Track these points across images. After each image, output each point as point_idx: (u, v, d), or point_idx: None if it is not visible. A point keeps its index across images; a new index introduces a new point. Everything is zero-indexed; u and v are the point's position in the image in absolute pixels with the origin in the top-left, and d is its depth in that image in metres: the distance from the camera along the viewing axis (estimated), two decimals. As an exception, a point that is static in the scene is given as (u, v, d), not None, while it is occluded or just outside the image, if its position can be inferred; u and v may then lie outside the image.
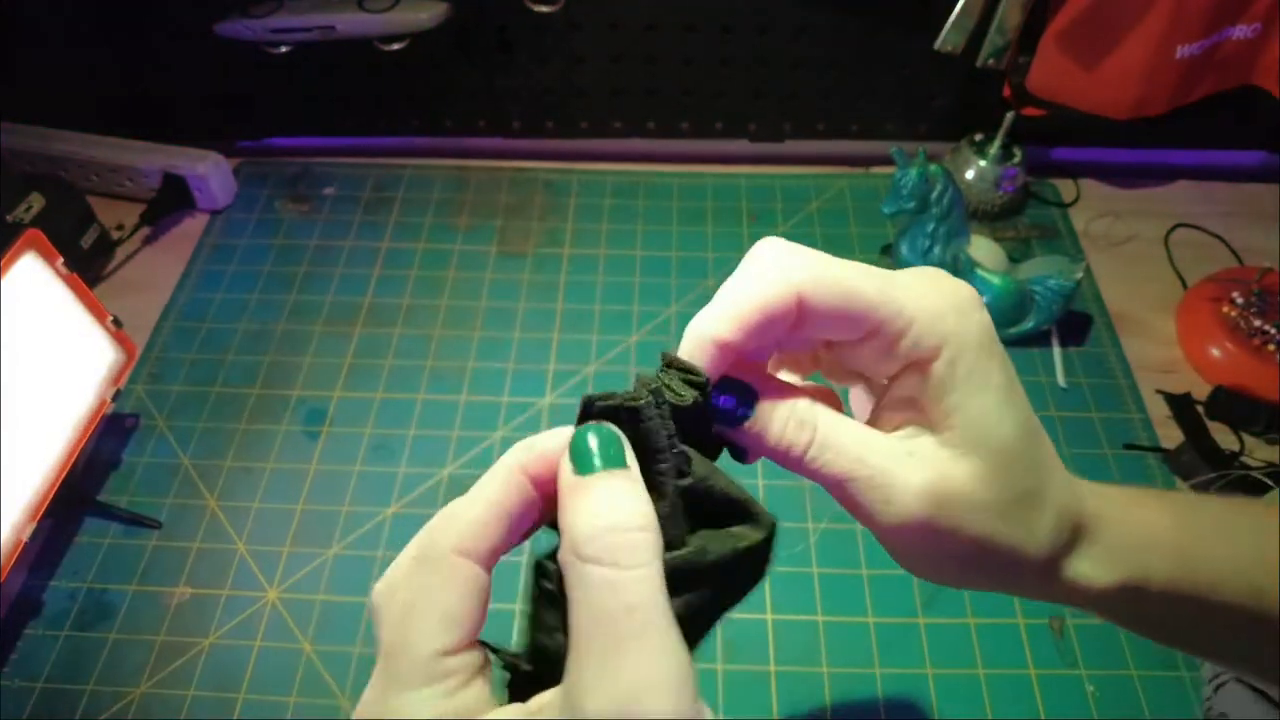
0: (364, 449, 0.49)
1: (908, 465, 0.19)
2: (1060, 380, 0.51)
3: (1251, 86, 0.56)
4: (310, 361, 0.53)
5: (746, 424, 0.19)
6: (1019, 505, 0.19)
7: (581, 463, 0.16)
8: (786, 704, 0.39)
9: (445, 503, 0.18)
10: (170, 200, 0.61)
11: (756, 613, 0.42)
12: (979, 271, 0.52)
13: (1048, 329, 0.53)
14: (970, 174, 0.60)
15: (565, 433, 0.17)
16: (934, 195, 0.51)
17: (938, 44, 0.53)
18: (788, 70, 0.61)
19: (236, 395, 0.51)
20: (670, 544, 0.16)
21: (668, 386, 0.18)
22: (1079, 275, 0.50)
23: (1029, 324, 0.52)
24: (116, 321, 0.47)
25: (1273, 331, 0.50)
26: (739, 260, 0.19)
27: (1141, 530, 0.21)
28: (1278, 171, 0.64)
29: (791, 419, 0.19)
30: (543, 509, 0.18)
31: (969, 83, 0.60)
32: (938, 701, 0.39)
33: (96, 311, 0.45)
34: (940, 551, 0.19)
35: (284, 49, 0.58)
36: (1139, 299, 0.56)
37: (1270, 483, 0.44)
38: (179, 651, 0.41)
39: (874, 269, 0.19)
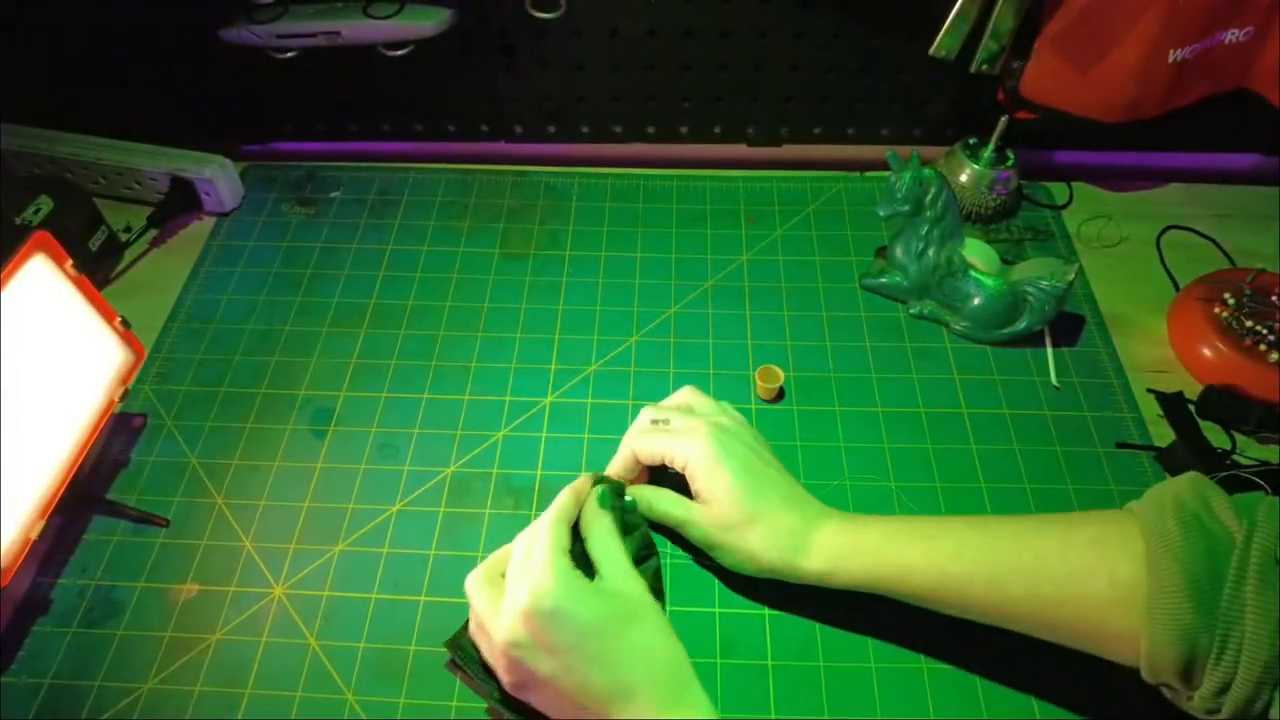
0: (369, 447, 0.49)
1: (694, 511, 0.41)
2: (1053, 380, 0.52)
3: (1244, 90, 0.57)
4: (316, 362, 0.54)
5: (639, 507, 0.42)
6: (739, 528, 0.39)
7: (600, 503, 0.39)
8: (784, 699, 0.40)
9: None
10: (177, 203, 0.62)
11: (754, 608, 0.42)
12: (972, 273, 0.53)
13: (1041, 330, 0.53)
14: (964, 177, 0.61)
15: (591, 488, 0.40)
16: (928, 198, 0.52)
17: (932, 49, 0.54)
18: (785, 75, 0.62)
19: (243, 395, 0.52)
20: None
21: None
22: (1072, 277, 0.51)
23: (1022, 325, 0.53)
24: (125, 322, 0.47)
25: (1264, 332, 0.51)
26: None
27: (844, 543, 0.38)
28: (1269, 174, 0.65)
29: (651, 503, 0.42)
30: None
31: (963, 87, 0.61)
32: (933, 698, 0.40)
33: (105, 312, 0.46)
34: (726, 551, 0.40)
35: (290, 54, 0.59)
36: (1131, 300, 0.56)
37: (1260, 481, 0.44)
38: (186, 647, 0.42)
39: (663, 438, 0.42)
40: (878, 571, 0.37)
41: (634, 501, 0.41)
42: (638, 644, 0.33)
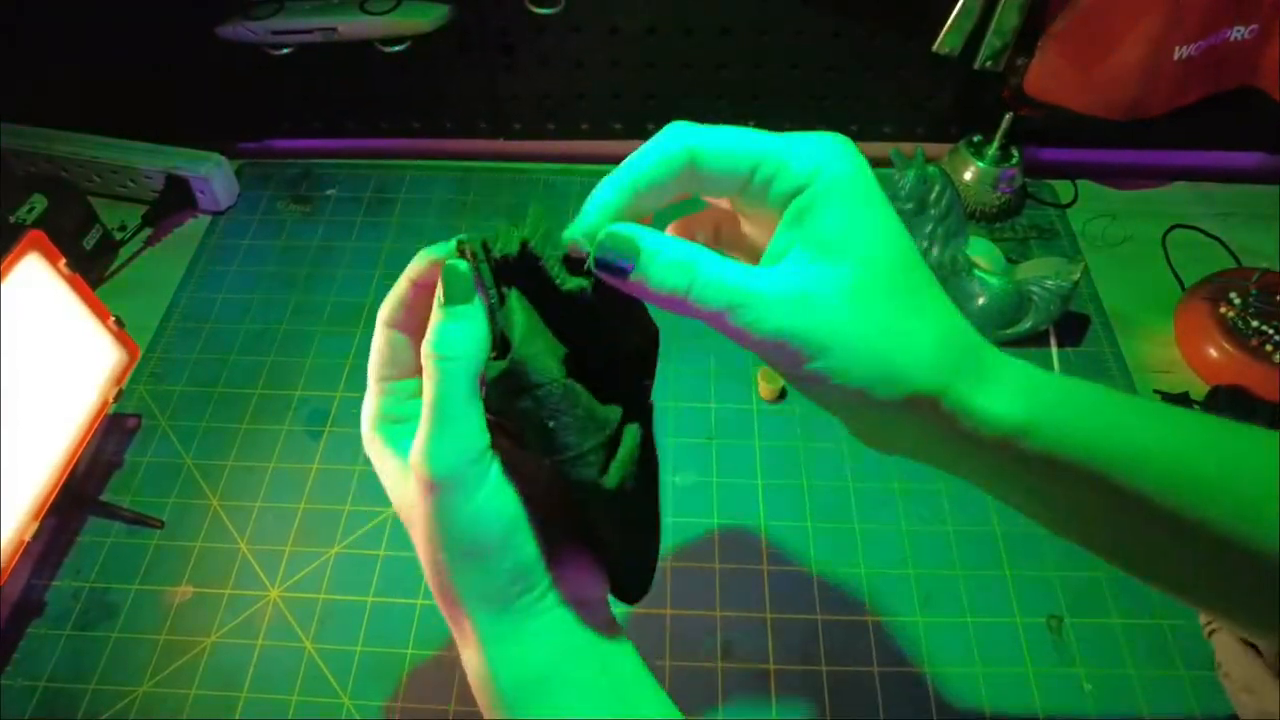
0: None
1: (779, 283, 0.20)
2: (1058, 380, 0.52)
3: (1249, 88, 0.56)
4: (312, 362, 0.53)
5: (631, 277, 0.21)
6: (892, 317, 0.20)
7: (448, 292, 0.22)
8: (785, 703, 0.39)
9: None
10: (172, 201, 0.61)
11: (756, 611, 0.42)
12: (977, 272, 0.52)
13: (1046, 330, 0.53)
14: (968, 175, 0.60)
15: (444, 255, 0.23)
16: (932, 196, 0.52)
17: (936, 46, 0.54)
18: (786, 72, 0.62)
19: (239, 395, 0.52)
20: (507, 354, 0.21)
21: (551, 264, 0.22)
22: (1077, 276, 0.50)
23: (1027, 325, 0.52)
24: (119, 322, 0.47)
25: (1270, 332, 0.50)
26: None
27: (1050, 381, 0.22)
28: (1275, 172, 0.64)
29: (670, 265, 0.21)
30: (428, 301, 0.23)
31: (967, 84, 0.60)
32: (936, 699, 0.39)
33: (99, 312, 0.46)
34: (803, 363, 0.20)
35: (285, 51, 0.59)
36: (1137, 299, 0.56)
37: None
38: (181, 650, 0.41)
39: (751, 130, 0.22)
40: (1102, 441, 0.21)
41: (622, 243, 0.21)
42: (421, 554, 0.23)
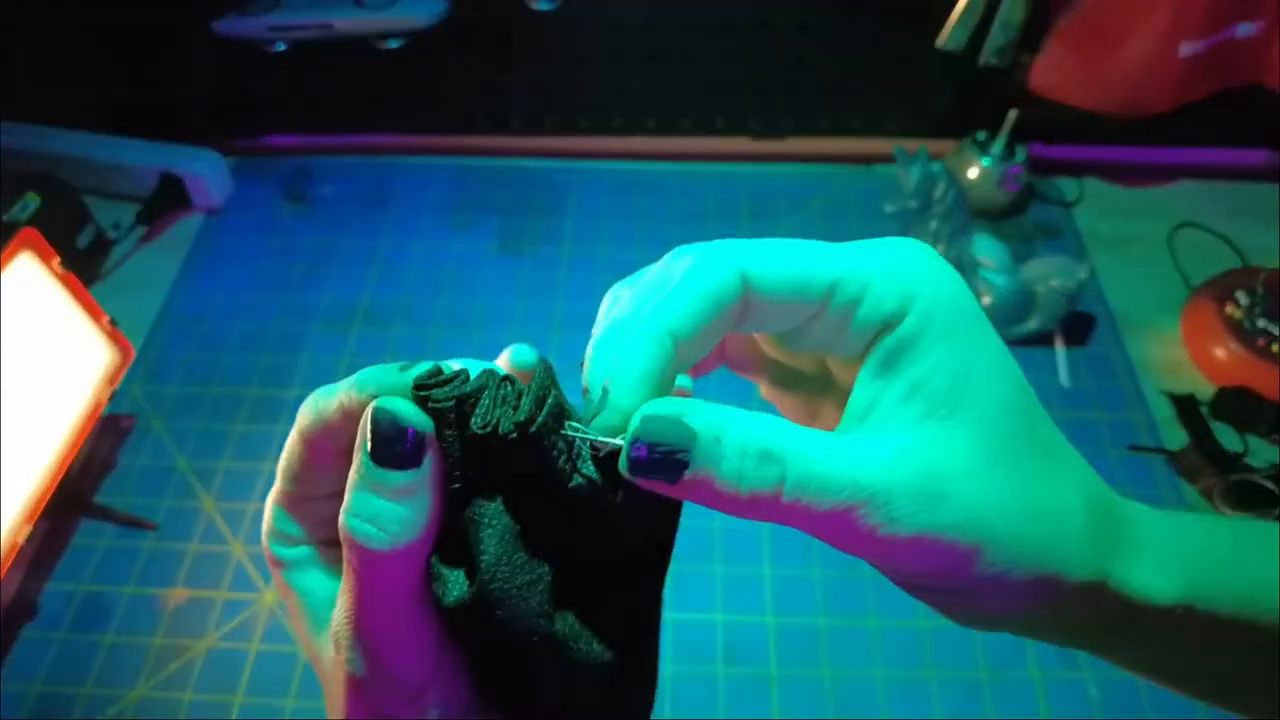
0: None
1: (905, 462, 0.14)
2: (1064, 381, 0.51)
3: (1255, 85, 0.56)
4: (308, 361, 0.53)
5: (687, 476, 0.14)
6: (1034, 488, 0.15)
7: (380, 452, 0.15)
8: (788, 707, 0.39)
9: None
10: (167, 199, 0.61)
11: (757, 616, 0.42)
12: (982, 271, 0.52)
13: (1051, 329, 0.52)
14: (973, 173, 0.59)
15: (390, 390, 0.15)
16: (937, 194, 0.51)
17: (940, 42, 0.53)
18: (789, 67, 0.61)
19: (233, 395, 0.51)
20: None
21: (559, 457, 0.15)
22: (1083, 275, 0.50)
23: (1032, 324, 0.52)
24: (113, 321, 0.46)
25: (1277, 332, 0.50)
26: None
27: (1198, 538, 0.17)
28: (1282, 170, 0.64)
29: (748, 455, 0.14)
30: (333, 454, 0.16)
31: (972, 81, 0.59)
32: (939, 705, 0.39)
33: (93, 311, 0.45)
34: (959, 567, 0.15)
35: (282, 47, 0.58)
36: (1143, 299, 0.55)
37: (1272, 486, 0.44)
38: (176, 654, 0.41)
39: (815, 243, 0.16)
40: (1260, 603, 0.17)
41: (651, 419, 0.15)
42: None
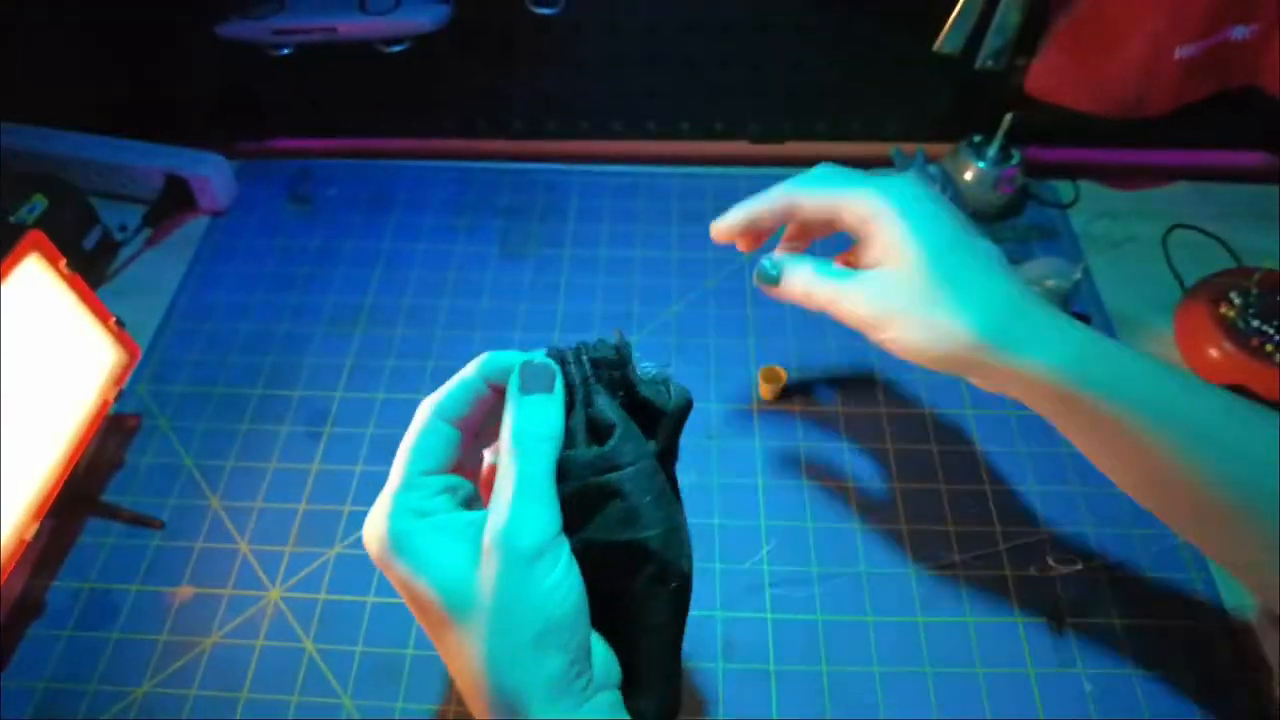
0: (366, 449, 0.49)
1: (860, 282, 0.31)
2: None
3: (1251, 87, 0.56)
4: (312, 362, 0.53)
5: (781, 284, 0.33)
6: (937, 296, 0.29)
7: (527, 384, 0.24)
8: (786, 703, 0.39)
9: None
10: (172, 201, 0.61)
11: (756, 613, 0.42)
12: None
13: (1047, 329, 0.53)
14: (969, 175, 0.60)
15: (517, 357, 0.25)
16: (933, 196, 0.52)
17: (937, 45, 0.53)
18: (788, 71, 0.62)
19: (239, 395, 0.52)
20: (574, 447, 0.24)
21: (634, 367, 0.25)
22: (1078, 276, 0.50)
23: (1028, 324, 0.52)
24: (119, 322, 0.47)
25: (1271, 332, 0.50)
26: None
27: (1093, 337, 0.29)
28: (1276, 172, 0.64)
29: (797, 277, 0.33)
30: (495, 402, 0.26)
31: (968, 84, 0.60)
32: (936, 701, 0.39)
33: (99, 312, 0.46)
34: (888, 341, 0.31)
35: (286, 50, 0.59)
36: (1137, 300, 0.56)
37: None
38: (181, 651, 0.41)
39: (849, 175, 0.33)
40: (1136, 378, 0.27)
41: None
42: (455, 654, 0.23)
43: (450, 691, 0.40)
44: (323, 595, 0.43)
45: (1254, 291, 0.52)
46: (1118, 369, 0.27)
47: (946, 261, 0.30)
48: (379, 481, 0.50)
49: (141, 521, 0.46)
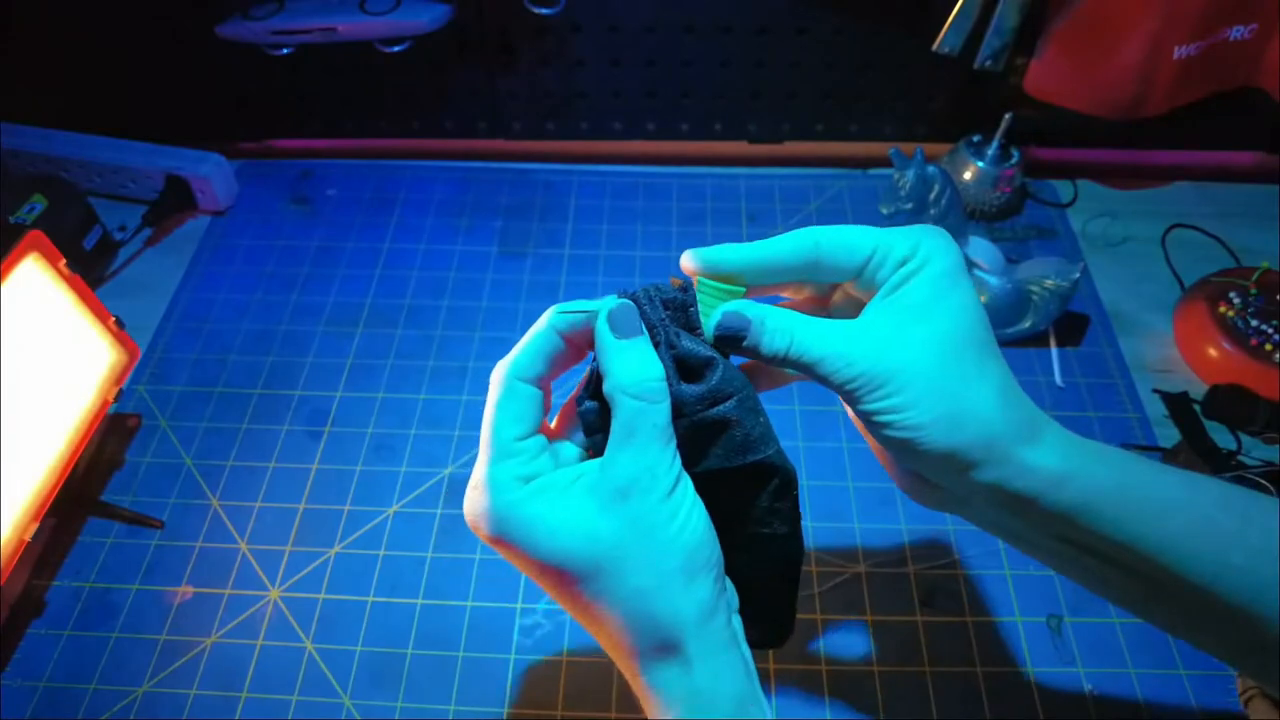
0: (365, 448, 0.49)
1: (865, 333, 0.24)
2: (1058, 380, 0.52)
3: (1249, 87, 0.56)
4: (312, 362, 0.53)
5: (745, 344, 0.25)
6: (961, 370, 0.24)
7: (619, 328, 0.24)
8: (785, 702, 0.39)
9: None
10: (172, 201, 0.61)
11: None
12: (977, 272, 0.52)
13: (1045, 329, 0.53)
14: (968, 175, 0.60)
15: (594, 304, 0.25)
16: (932, 196, 0.52)
17: (936, 45, 0.53)
18: (786, 71, 0.62)
19: (239, 395, 0.52)
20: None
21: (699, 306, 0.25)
22: (1076, 275, 0.50)
23: (1027, 324, 0.52)
24: (119, 322, 0.47)
25: (1269, 331, 0.50)
26: None
27: (1090, 445, 0.25)
28: (1274, 172, 0.64)
29: (773, 331, 0.25)
30: (570, 355, 0.25)
31: (967, 84, 0.60)
32: (935, 700, 0.39)
33: (99, 312, 0.46)
34: (892, 409, 0.24)
35: (285, 51, 0.59)
36: (1136, 299, 0.56)
37: (1266, 483, 0.44)
38: (181, 650, 0.41)
39: (867, 232, 0.25)
40: (1128, 490, 0.24)
41: (728, 312, 0.25)
42: (596, 607, 0.23)
43: (451, 691, 0.40)
44: (323, 595, 0.43)
45: (1253, 291, 0.52)
46: (1098, 478, 0.24)
47: (983, 345, 0.24)
48: (380, 481, 0.50)
49: (141, 521, 0.46)
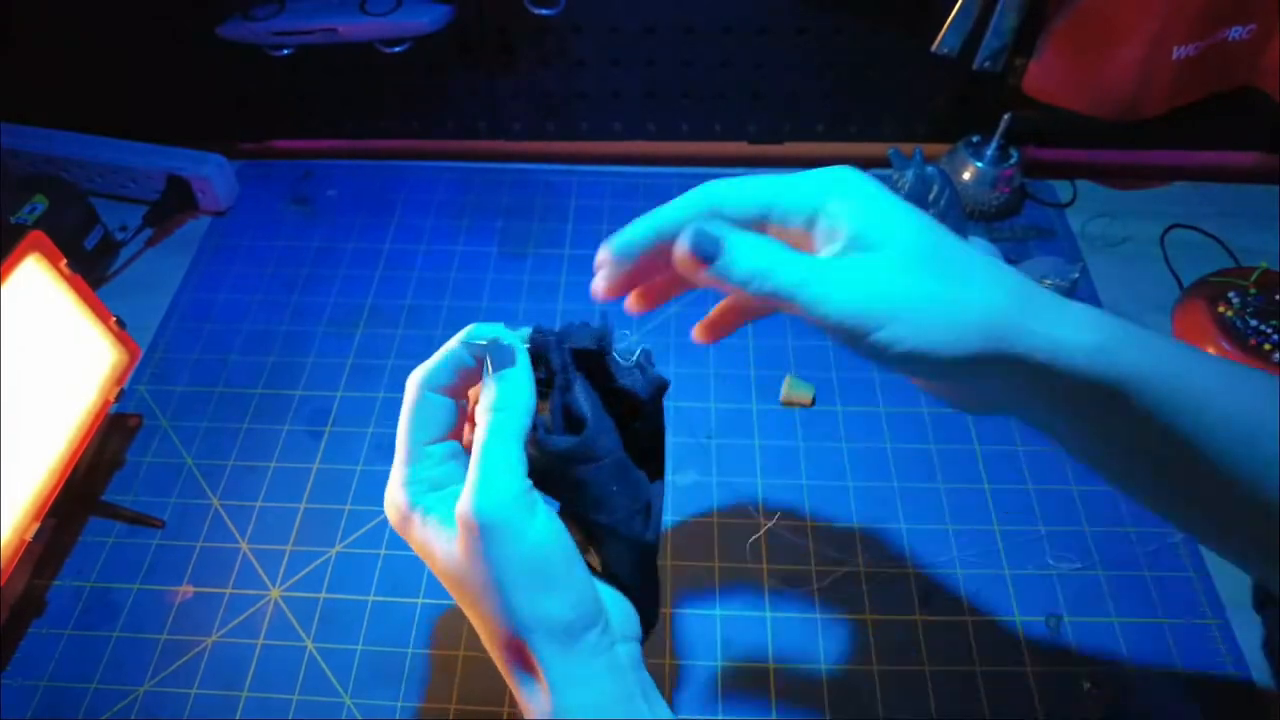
0: (366, 448, 0.49)
1: (837, 266, 0.23)
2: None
3: (1248, 87, 0.56)
4: (313, 362, 0.54)
5: (719, 262, 0.24)
6: (938, 283, 0.23)
7: (498, 362, 0.25)
8: (785, 702, 0.39)
9: None
10: (173, 202, 0.61)
11: (755, 611, 0.42)
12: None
13: (1045, 329, 0.53)
14: (967, 175, 0.60)
15: (503, 333, 0.26)
16: (931, 196, 0.52)
17: (935, 46, 0.54)
18: (786, 72, 0.62)
19: (240, 395, 0.52)
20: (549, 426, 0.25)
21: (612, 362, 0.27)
22: (1076, 276, 0.51)
23: (1026, 324, 0.52)
24: (120, 322, 0.47)
25: (1269, 331, 0.50)
26: None
27: (1112, 320, 0.24)
28: (1273, 172, 0.64)
29: (751, 251, 0.24)
30: (478, 372, 0.26)
31: (966, 84, 0.60)
32: (934, 698, 0.39)
33: (100, 313, 0.46)
34: (884, 344, 0.23)
35: (286, 51, 0.59)
36: (1136, 299, 0.56)
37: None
38: (182, 650, 0.41)
39: (764, 185, 0.25)
40: (1173, 367, 0.23)
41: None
42: (471, 617, 0.25)
43: (451, 690, 0.40)
44: (323, 594, 0.43)
45: (1252, 291, 0.52)
46: (1155, 349, 0.23)
47: (944, 248, 0.23)
48: (380, 481, 0.50)
49: (142, 521, 0.46)
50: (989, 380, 0.24)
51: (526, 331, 0.26)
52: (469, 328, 0.26)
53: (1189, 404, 0.23)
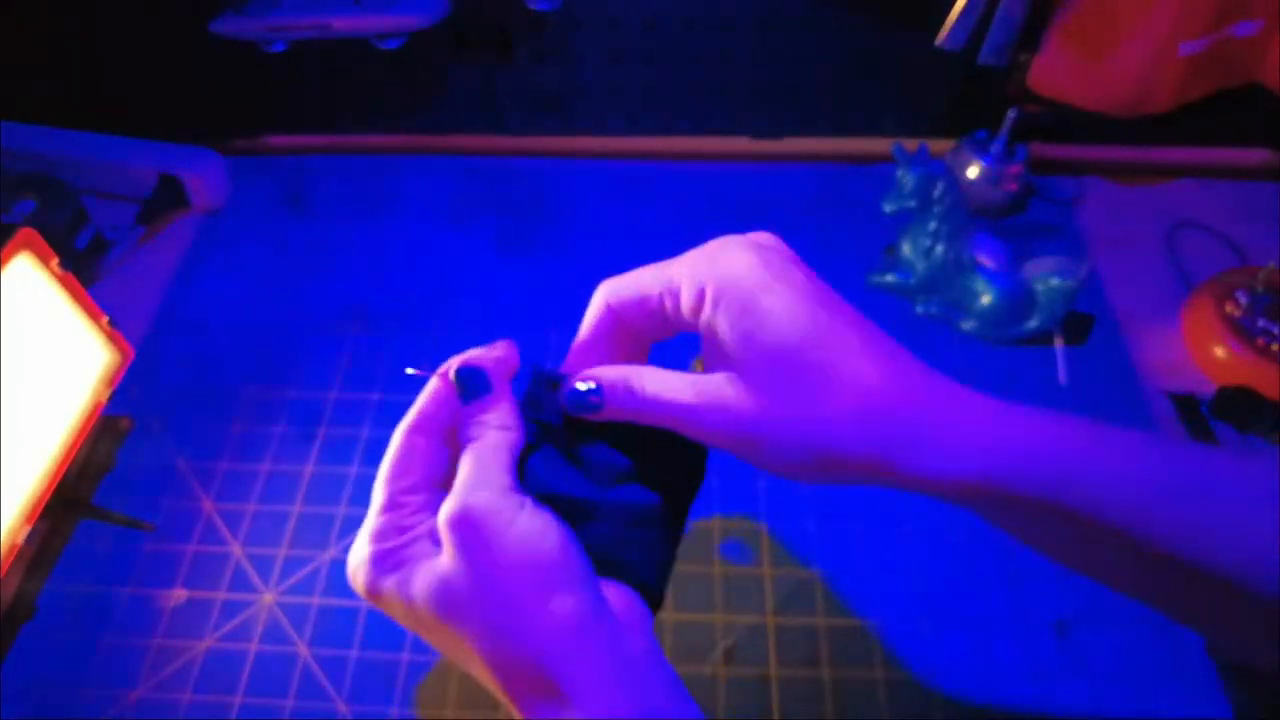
0: (361, 450, 0.48)
1: (704, 394, 0.23)
2: (1063, 380, 0.51)
3: (1256, 84, 0.56)
4: (307, 362, 0.53)
5: (600, 411, 0.25)
6: (802, 404, 0.22)
7: (468, 391, 0.25)
8: (788, 707, 0.39)
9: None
10: (165, 200, 0.61)
11: (757, 615, 0.41)
12: (981, 270, 0.52)
13: (1050, 328, 0.52)
14: (972, 172, 0.59)
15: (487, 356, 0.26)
16: (936, 193, 0.51)
17: (939, 40, 0.53)
18: (788, 67, 0.61)
19: (233, 396, 0.51)
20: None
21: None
22: (1082, 274, 0.50)
23: (1032, 323, 0.52)
24: (111, 322, 0.46)
25: (1277, 331, 0.50)
26: None
27: (1004, 420, 0.22)
28: (1281, 169, 0.64)
29: (625, 389, 0.24)
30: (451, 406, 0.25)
31: (971, 80, 0.59)
32: (940, 703, 0.39)
33: (91, 312, 0.45)
34: (763, 464, 0.23)
35: (280, 47, 0.58)
36: (1143, 298, 0.55)
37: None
38: (175, 655, 0.41)
39: (666, 263, 0.25)
40: (1068, 485, 0.21)
41: (586, 393, 0.24)
42: (468, 653, 0.22)
43: (446, 696, 0.39)
44: (317, 599, 0.43)
45: (1260, 290, 0.51)
46: (1030, 476, 0.21)
47: (819, 352, 0.22)
48: (374, 483, 0.49)
49: (134, 524, 0.45)
50: (867, 480, 0.23)
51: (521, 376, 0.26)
52: (454, 361, 0.26)
53: (1090, 510, 0.21)
